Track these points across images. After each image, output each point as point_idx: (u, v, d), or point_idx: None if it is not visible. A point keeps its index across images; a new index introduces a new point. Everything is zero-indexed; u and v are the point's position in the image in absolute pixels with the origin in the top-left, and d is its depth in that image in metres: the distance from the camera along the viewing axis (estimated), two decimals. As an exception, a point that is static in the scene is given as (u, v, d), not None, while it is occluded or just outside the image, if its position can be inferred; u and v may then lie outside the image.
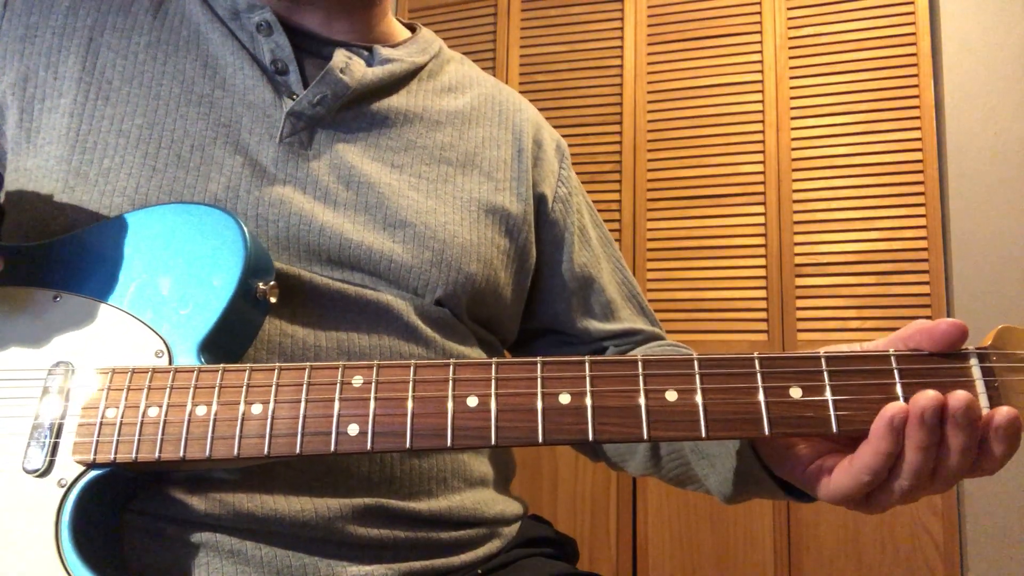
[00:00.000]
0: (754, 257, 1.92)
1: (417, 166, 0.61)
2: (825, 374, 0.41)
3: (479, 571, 0.59)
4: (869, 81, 1.89)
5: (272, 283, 0.50)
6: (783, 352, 0.42)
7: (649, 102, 2.05)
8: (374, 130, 0.61)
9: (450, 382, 0.43)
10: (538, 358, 0.43)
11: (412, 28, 0.72)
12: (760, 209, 1.93)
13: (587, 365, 0.42)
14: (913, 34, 1.87)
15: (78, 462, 0.45)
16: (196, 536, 0.48)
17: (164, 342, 0.48)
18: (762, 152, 1.94)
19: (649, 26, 2.08)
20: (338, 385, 0.44)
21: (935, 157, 1.83)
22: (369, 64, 0.62)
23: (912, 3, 1.88)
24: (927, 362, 0.41)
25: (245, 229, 0.50)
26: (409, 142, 0.62)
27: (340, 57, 0.60)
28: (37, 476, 0.45)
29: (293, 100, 0.58)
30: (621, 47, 2.10)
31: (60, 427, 0.46)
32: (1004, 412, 0.38)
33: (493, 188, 0.64)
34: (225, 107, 0.57)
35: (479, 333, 0.64)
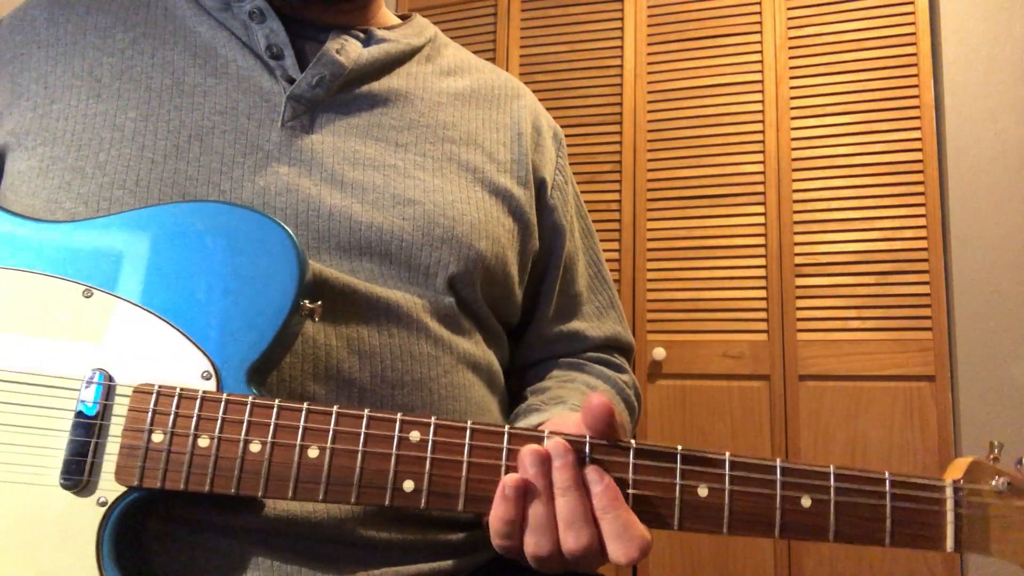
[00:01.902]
0: (754, 257, 1.92)
1: (421, 145, 0.61)
2: (832, 488, 0.46)
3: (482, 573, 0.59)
4: (869, 81, 1.89)
5: (319, 302, 0.48)
6: (798, 464, 0.47)
7: (649, 102, 2.05)
8: (376, 110, 0.61)
9: (504, 451, 0.44)
10: (587, 439, 0.45)
11: (405, 18, 0.72)
12: (760, 209, 1.93)
13: (631, 452, 0.45)
14: (913, 34, 1.87)
15: (121, 484, 0.43)
16: (207, 540, 0.47)
17: (212, 363, 0.45)
18: (762, 152, 1.94)
19: (649, 26, 2.08)
20: (395, 439, 0.44)
21: (935, 157, 1.83)
22: (365, 46, 0.62)
23: (912, 3, 1.88)
24: (914, 489, 0.46)
25: (298, 245, 0.47)
26: (412, 121, 0.62)
27: (335, 39, 0.60)
28: (75, 493, 0.43)
29: (291, 84, 0.58)
30: (621, 47, 2.10)
31: (99, 446, 0.44)
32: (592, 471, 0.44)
33: (496, 169, 0.64)
34: (220, 94, 0.57)
35: (486, 323, 0.63)
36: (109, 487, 0.43)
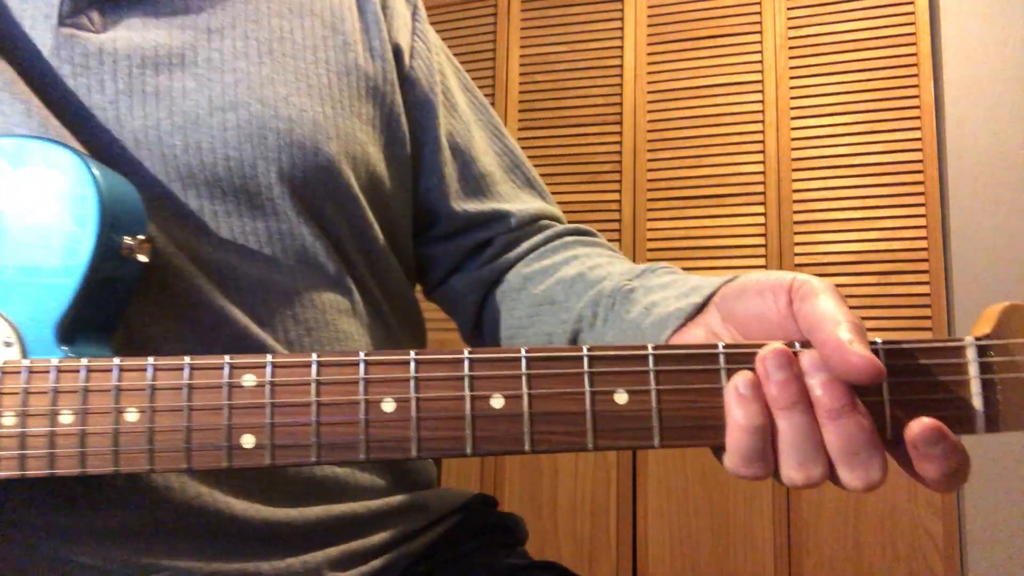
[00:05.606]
0: (754, 257, 1.92)
1: (242, 25, 0.49)
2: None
3: (420, 569, 0.52)
4: (869, 81, 1.89)
5: (142, 237, 0.41)
6: (750, 343, 0.36)
7: (649, 102, 2.05)
8: None
9: (361, 383, 0.36)
10: (464, 352, 0.36)
11: None
12: (760, 209, 1.93)
13: (523, 362, 0.36)
14: (913, 34, 1.87)
15: None
16: (46, 545, 0.41)
17: (12, 327, 0.39)
18: (762, 152, 1.95)
19: (649, 26, 2.08)
20: (225, 387, 0.36)
21: (935, 157, 1.83)
22: None
23: (912, 3, 1.88)
24: (916, 357, 0.34)
25: (95, 170, 0.39)
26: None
27: None
28: None
29: None
30: (621, 47, 2.10)
31: None
32: (919, 424, 0.31)
33: (341, 43, 0.53)
34: None
35: (372, 246, 0.54)
36: None
